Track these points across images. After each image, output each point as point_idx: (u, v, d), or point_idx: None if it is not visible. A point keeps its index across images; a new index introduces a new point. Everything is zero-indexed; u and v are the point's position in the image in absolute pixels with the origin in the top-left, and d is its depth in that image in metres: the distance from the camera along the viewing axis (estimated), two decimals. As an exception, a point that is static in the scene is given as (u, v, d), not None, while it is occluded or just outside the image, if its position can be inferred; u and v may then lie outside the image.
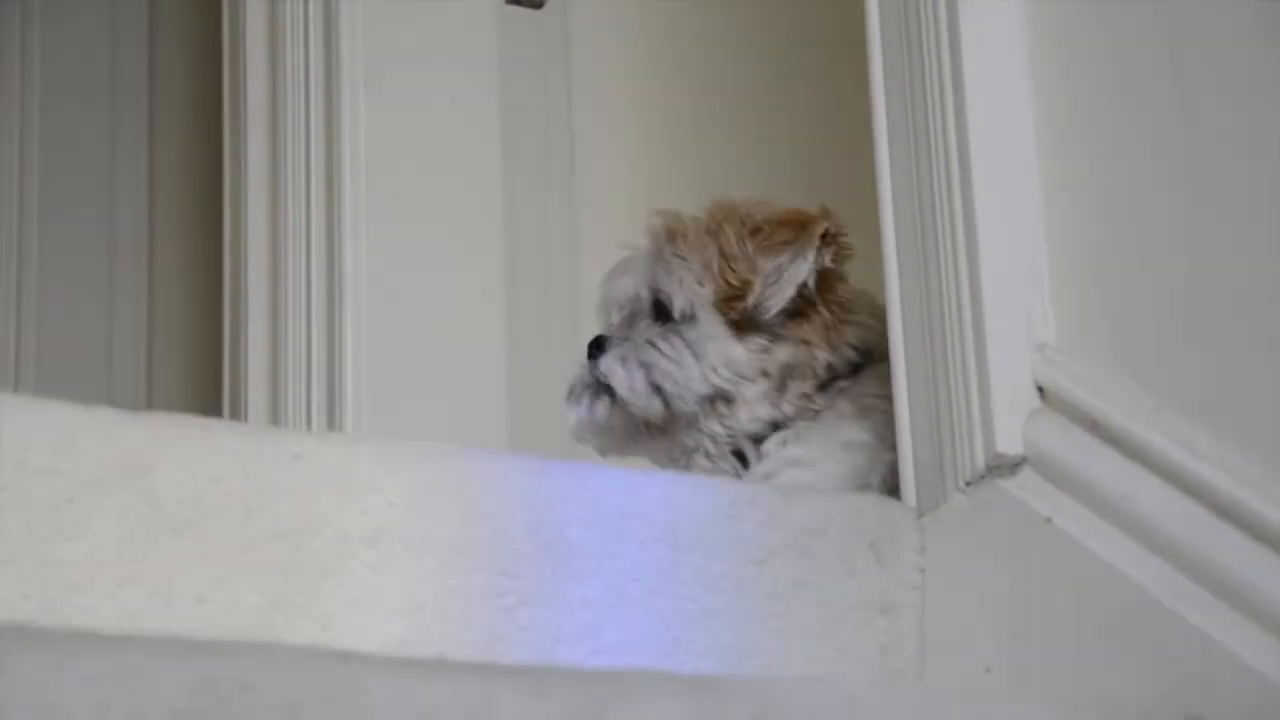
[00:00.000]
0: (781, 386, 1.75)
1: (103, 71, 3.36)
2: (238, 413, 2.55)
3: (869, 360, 1.74)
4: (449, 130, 2.65)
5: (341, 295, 2.50)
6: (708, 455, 1.78)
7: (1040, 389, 1.42)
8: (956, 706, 1.20)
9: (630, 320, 1.84)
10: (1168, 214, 1.42)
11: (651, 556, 1.37)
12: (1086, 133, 1.50)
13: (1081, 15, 1.54)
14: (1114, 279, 1.44)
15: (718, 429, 1.78)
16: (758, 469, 1.74)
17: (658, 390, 1.76)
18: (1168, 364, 1.38)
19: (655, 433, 1.82)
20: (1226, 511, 1.25)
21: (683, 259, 1.79)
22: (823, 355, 1.75)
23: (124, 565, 1.27)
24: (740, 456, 1.77)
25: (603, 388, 1.79)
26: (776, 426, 1.76)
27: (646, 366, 1.77)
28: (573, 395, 1.82)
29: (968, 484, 1.41)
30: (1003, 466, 1.39)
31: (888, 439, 1.61)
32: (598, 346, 1.82)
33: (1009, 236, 1.47)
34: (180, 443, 1.32)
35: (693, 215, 1.82)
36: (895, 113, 1.60)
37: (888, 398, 1.60)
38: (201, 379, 3.01)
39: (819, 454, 1.69)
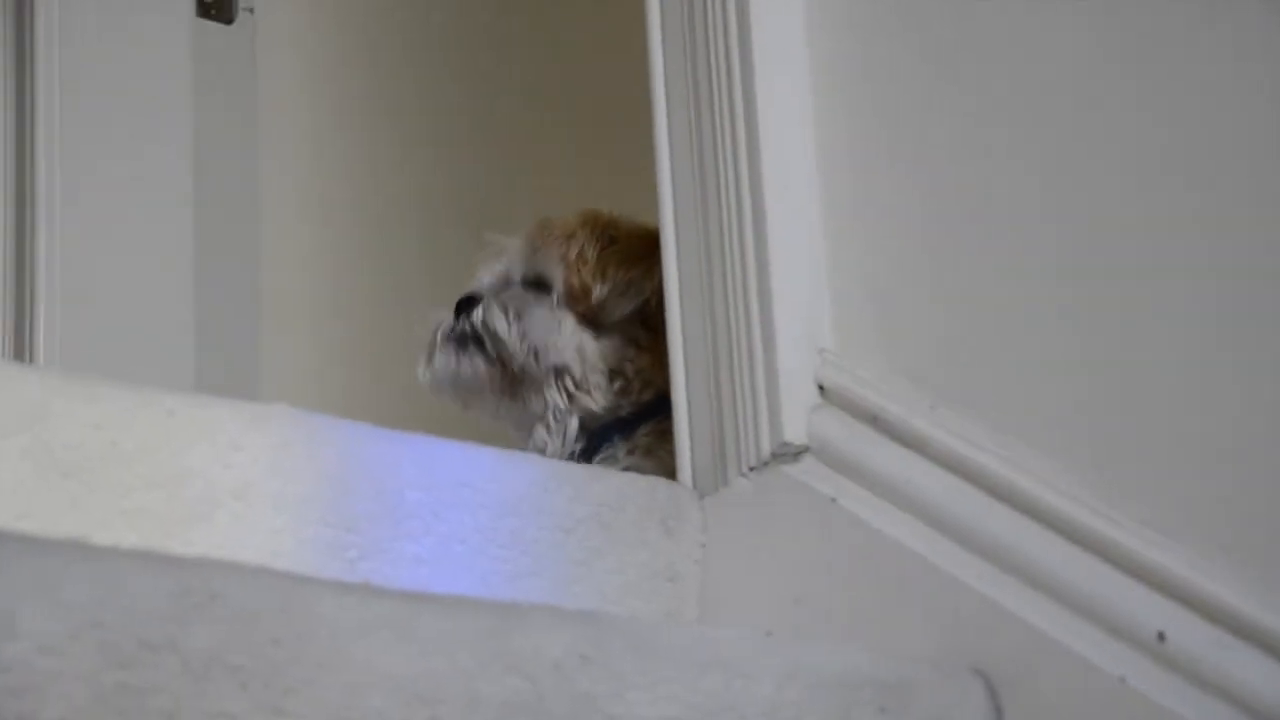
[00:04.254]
0: (625, 390, 1.85)
1: None
2: None
3: None
4: (142, 134, 2.69)
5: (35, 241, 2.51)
6: (548, 427, 1.85)
7: (821, 387, 1.45)
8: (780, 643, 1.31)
9: (498, 289, 1.90)
10: (943, 231, 1.46)
11: (477, 521, 1.42)
12: (863, 165, 1.52)
13: (855, 53, 1.57)
14: (891, 292, 1.48)
15: (560, 403, 1.86)
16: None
17: (530, 346, 1.83)
18: (943, 368, 1.42)
19: (512, 392, 1.89)
20: (998, 492, 1.32)
21: (552, 248, 1.88)
22: (648, 362, 1.83)
23: (20, 501, 1.28)
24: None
25: (474, 341, 1.86)
26: (619, 423, 1.85)
27: (521, 320, 1.85)
28: (438, 347, 1.88)
29: (751, 469, 1.45)
30: (786, 454, 1.43)
31: None
32: (469, 302, 1.88)
33: (795, 256, 1.49)
34: (67, 394, 1.33)
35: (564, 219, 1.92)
36: (678, 134, 1.61)
37: None
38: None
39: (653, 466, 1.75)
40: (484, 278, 1.95)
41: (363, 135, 2.97)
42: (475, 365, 1.87)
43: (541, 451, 1.90)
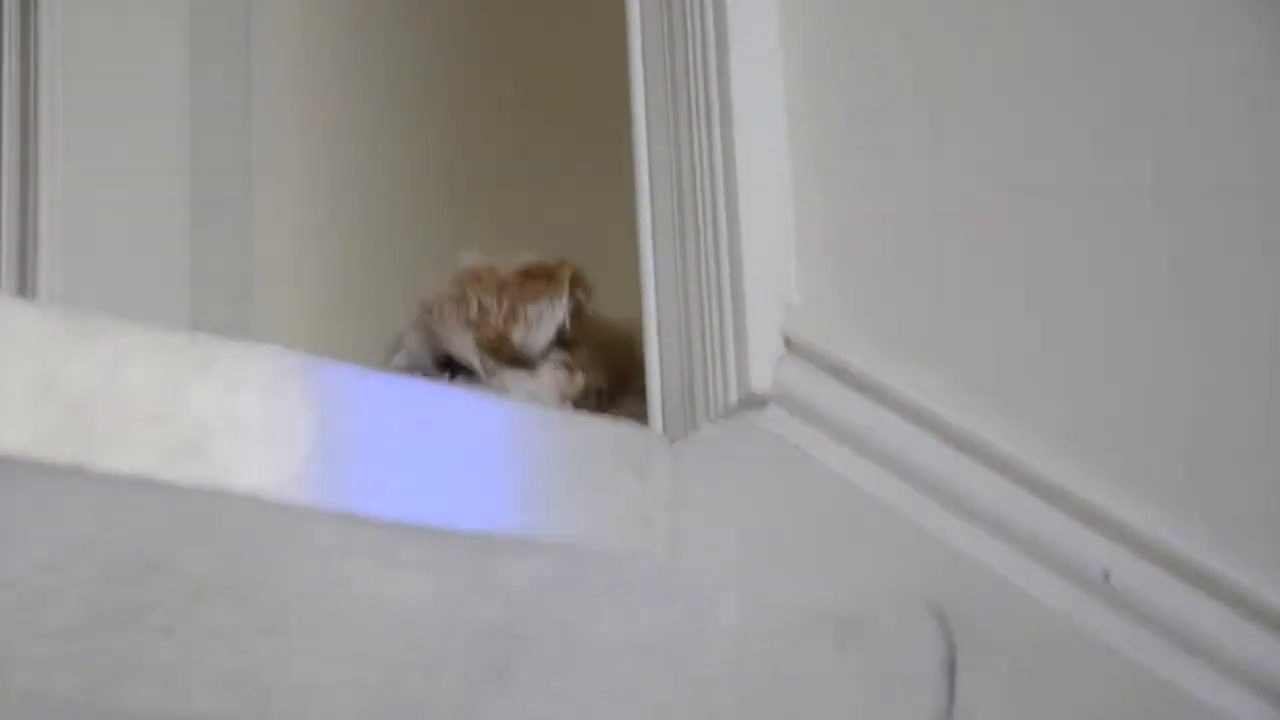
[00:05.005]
0: (580, 404, 1.78)
1: None
2: None
3: (624, 383, 1.76)
4: (139, 98, 2.65)
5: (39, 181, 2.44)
6: None
7: (787, 340, 1.45)
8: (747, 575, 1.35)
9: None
10: (904, 196, 1.46)
11: (456, 457, 1.42)
12: (828, 132, 1.52)
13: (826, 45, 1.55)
14: (854, 252, 1.48)
15: None
16: None
17: None
18: (903, 324, 1.42)
19: None
20: (954, 440, 1.33)
21: (448, 320, 1.80)
22: (584, 379, 1.79)
23: (26, 429, 1.26)
24: None
25: None
26: None
27: None
28: None
29: (719, 416, 1.45)
30: (753, 403, 1.43)
31: None
32: None
33: (764, 214, 1.49)
34: (74, 330, 1.32)
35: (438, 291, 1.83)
36: (655, 100, 1.59)
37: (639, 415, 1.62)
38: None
39: None
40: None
41: (359, 104, 2.91)
42: None
43: None
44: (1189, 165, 1.29)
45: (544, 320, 1.78)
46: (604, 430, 1.51)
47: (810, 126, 1.53)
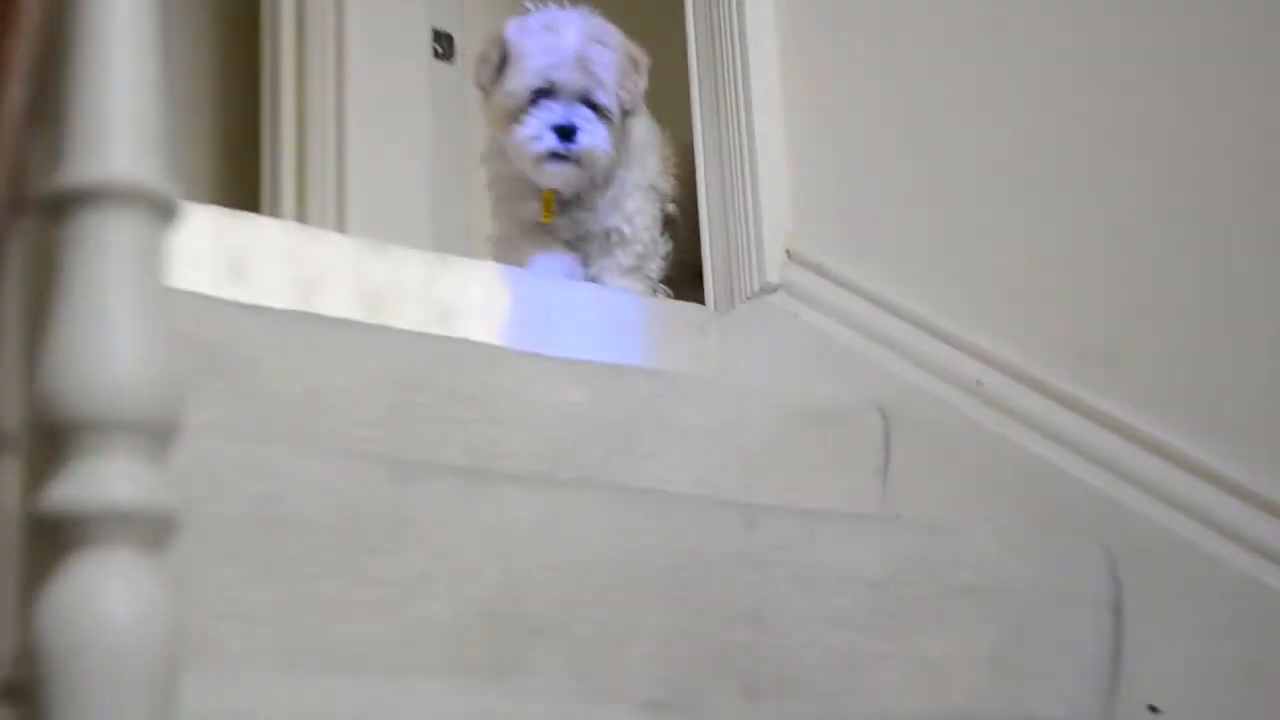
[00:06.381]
0: None
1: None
2: (279, 198, 2.16)
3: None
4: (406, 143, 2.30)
5: (345, 125, 2.16)
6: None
7: (788, 252, 1.40)
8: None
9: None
10: (868, 148, 1.37)
11: (593, 323, 1.39)
12: (811, 121, 1.43)
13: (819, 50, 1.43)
14: (831, 189, 1.41)
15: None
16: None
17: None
18: (864, 240, 1.36)
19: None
20: (888, 308, 1.30)
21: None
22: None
23: (338, 310, 1.24)
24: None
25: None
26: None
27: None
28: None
29: (747, 299, 1.41)
30: (767, 290, 1.40)
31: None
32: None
33: (772, 176, 1.42)
34: (372, 251, 1.30)
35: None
36: (705, 93, 1.48)
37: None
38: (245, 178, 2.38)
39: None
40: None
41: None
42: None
43: None
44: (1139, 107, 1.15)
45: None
46: (681, 308, 1.47)
47: (800, 119, 1.44)
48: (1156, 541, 1.05)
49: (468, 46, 2.29)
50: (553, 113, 1.38)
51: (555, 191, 1.46)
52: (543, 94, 1.38)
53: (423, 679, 0.82)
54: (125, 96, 0.52)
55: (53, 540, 0.50)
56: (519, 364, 1.15)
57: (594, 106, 1.39)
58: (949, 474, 1.20)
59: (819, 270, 1.38)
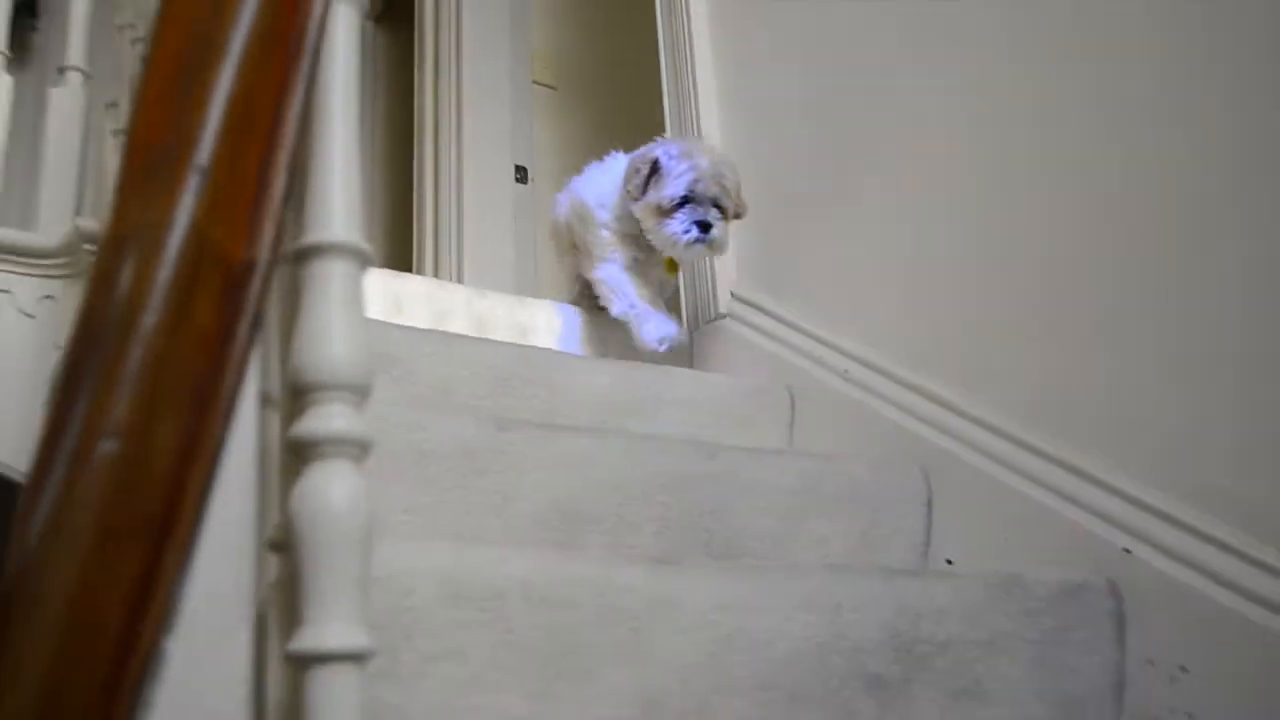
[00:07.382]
0: None
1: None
2: (422, 262, 2.11)
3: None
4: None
5: (464, 218, 2.11)
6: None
7: (732, 294, 1.37)
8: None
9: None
10: (799, 225, 1.30)
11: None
12: (754, 217, 1.34)
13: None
14: (754, 257, 1.37)
15: None
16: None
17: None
18: (784, 286, 1.31)
19: None
20: (797, 328, 1.27)
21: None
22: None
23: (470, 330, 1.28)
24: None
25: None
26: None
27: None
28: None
29: (707, 322, 1.38)
30: (721, 317, 1.36)
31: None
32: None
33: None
34: (476, 295, 1.29)
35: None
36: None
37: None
38: (402, 249, 2.33)
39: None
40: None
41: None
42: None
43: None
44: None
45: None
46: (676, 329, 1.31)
47: (736, 226, 1.34)
48: (949, 463, 1.04)
49: (536, 173, 2.24)
50: (695, 213, 1.29)
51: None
52: (686, 200, 1.31)
53: (515, 551, 0.82)
54: (340, 190, 0.53)
55: (299, 456, 0.51)
56: (568, 362, 1.13)
57: (719, 209, 1.31)
58: (831, 427, 1.17)
59: (752, 304, 1.36)
